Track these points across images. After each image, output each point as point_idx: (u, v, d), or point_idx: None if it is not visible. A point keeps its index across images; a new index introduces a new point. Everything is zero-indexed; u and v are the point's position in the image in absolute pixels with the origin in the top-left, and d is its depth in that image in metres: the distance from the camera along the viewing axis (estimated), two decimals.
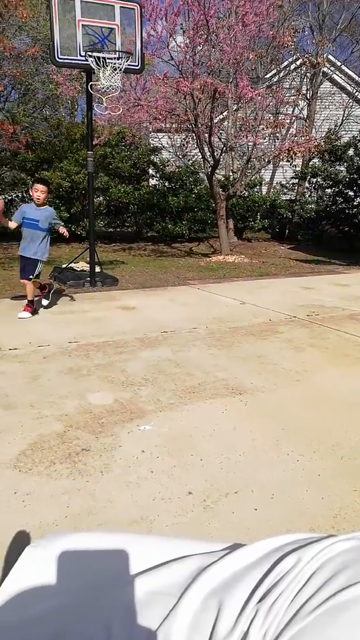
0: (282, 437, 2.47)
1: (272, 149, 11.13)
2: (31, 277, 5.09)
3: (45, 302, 5.42)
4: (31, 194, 5.05)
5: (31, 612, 0.56)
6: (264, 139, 10.64)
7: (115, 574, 0.60)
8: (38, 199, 4.96)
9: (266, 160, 11.10)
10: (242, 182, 10.75)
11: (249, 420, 2.67)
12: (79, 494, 1.97)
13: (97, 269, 7.18)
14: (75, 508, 1.87)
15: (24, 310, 5.06)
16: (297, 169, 14.16)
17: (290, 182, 14.72)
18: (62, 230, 5.20)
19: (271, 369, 3.46)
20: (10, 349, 3.91)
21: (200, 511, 1.87)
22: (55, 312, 5.30)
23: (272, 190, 15.46)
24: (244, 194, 13.31)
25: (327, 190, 13.07)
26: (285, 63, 14.32)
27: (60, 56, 6.00)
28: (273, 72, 13.79)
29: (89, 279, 6.85)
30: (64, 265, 7.68)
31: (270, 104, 10.56)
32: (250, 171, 11.04)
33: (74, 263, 7.67)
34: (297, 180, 14.42)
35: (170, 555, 0.62)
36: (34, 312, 5.14)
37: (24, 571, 0.60)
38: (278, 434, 2.49)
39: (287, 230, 14.50)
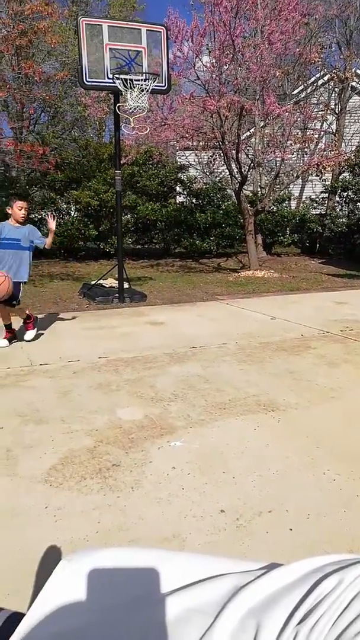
0: (317, 455, 2.38)
1: (301, 164, 11.09)
2: (15, 302, 4.50)
3: (31, 335, 4.72)
4: (10, 212, 4.54)
5: (66, 627, 0.54)
6: (292, 154, 10.64)
7: (150, 591, 0.58)
8: (23, 217, 4.56)
9: (295, 175, 11.07)
10: (271, 198, 10.73)
11: (282, 437, 2.60)
12: (109, 509, 1.94)
13: (126, 285, 7.25)
14: (106, 524, 1.85)
15: (4, 337, 4.60)
16: (327, 183, 14.06)
17: (320, 197, 14.62)
18: (49, 234, 4.76)
19: (304, 385, 3.38)
20: (40, 364, 3.95)
21: (233, 530, 1.82)
22: (84, 327, 5.35)
23: (301, 204, 15.38)
24: (273, 209, 13.28)
25: (358, 203, 12.90)
26: (313, 79, 14.36)
27: (88, 79, 6.17)
28: (300, 88, 13.85)
29: (117, 295, 6.91)
30: (93, 282, 7.78)
31: (298, 119, 10.56)
32: (278, 186, 11.02)
33: (103, 280, 7.77)
34: (327, 194, 14.31)
35: (205, 573, 0.60)
36: (14, 337, 4.69)
37: (58, 586, 0.59)
38: (313, 453, 2.41)
39: (317, 245, 14.33)
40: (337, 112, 14.68)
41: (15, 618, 0.65)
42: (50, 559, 1.67)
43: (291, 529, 1.82)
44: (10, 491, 2.09)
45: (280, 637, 0.47)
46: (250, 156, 11.85)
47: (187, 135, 10.04)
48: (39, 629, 0.55)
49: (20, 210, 4.53)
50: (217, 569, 0.60)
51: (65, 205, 12.72)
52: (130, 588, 0.59)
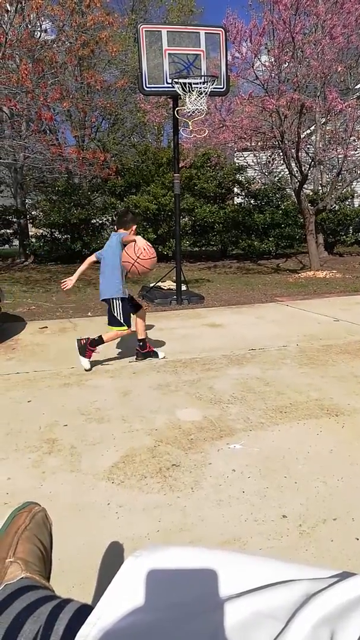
0: None
1: None
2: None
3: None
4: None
5: (136, 622, 0.54)
6: (356, 150, 10.25)
7: (218, 591, 0.57)
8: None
9: (358, 172, 10.66)
10: (332, 196, 10.41)
11: (347, 443, 2.50)
12: (170, 509, 1.95)
13: (183, 287, 7.29)
14: (167, 523, 1.86)
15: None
16: None
17: None
18: None
19: None
20: (102, 364, 4.05)
21: (296, 536, 1.77)
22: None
23: None
24: (335, 207, 12.87)
25: None
26: None
27: (148, 85, 6.27)
28: None
29: (175, 297, 6.96)
30: (152, 284, 7.89)
31: None
32: (340, 184, 10.67)
33: (161, 282, 7.85)
34: None
35: (274, 577, 0.58)
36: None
37: (127, 581, 0.59)
38: None
39: None
40: None
41: (85, 610, 0.67)
42: (113, 554, 1.70)
43: (357, 539, 1.74)
44: (74, 487, 2.15)
45: None
46: (310, 154, 11.55)
47: (245, 136, 9.96)
48: (109, 623, 0.55)
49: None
50: (286, 574, 0.58)
51: None
52: (198, 587, 0.58)
